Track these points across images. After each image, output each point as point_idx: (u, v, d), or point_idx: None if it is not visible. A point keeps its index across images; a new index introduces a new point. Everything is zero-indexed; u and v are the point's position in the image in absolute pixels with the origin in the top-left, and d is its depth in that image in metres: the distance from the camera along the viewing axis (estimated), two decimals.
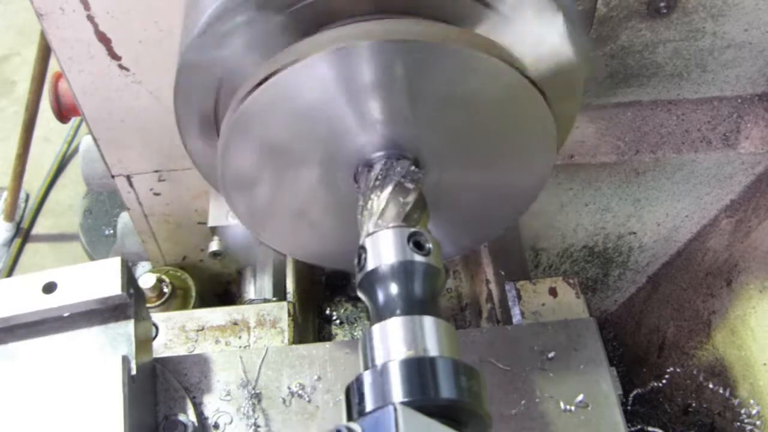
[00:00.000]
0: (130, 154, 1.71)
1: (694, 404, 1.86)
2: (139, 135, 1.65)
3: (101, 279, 1.20)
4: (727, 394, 1.69)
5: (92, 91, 1.55)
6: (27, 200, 3.66)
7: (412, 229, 1.06)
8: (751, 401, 1.65)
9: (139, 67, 1.50)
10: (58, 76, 1.92)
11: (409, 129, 1.12)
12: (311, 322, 1.98)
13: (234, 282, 2.17)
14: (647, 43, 1.50)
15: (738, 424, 1.67)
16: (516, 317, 1.55)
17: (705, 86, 1.62)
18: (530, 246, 2.04)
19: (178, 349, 1.49)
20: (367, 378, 0.96)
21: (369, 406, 0.93)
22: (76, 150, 3.74)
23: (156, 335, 1.50)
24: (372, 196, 1.11)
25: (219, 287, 2.20)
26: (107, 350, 1.20)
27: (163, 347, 1.49)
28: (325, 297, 2.16)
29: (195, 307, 1.97)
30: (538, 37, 1.12)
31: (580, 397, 1.34)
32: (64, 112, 1.97)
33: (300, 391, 1.36)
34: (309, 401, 1.36)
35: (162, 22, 1.41)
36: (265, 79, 1.04)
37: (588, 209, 1.89)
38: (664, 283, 2.05)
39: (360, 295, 1.09)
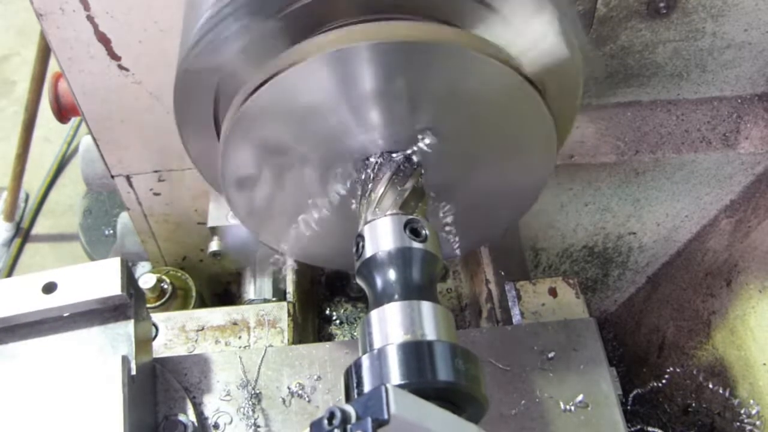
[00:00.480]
0: (130, 154, 1.71)
1: (693, 404, 1.86)
2: (139, 135, 1.65)
3: (101, 279, 1.20)
4: (727, 394, 1.69)
5: (92, 91, 1.55)
6: (27, 200, 3.66)
7: (409, 217, 1.08)
8: (751, 401, 1.65)
9: (139, 67, 1.50)
10: (58, 76, 1.92)
11: (409, 129, 1.12)
12: (311, 322, 1.98)
13: (234, 282, 2.17)
14: (647, 43, 1.50)
15: (738, 424, 1.67)
16: (516, 317, 1.55)
17: (705, 86, 1.62)
18: (530, 246, 2.04)
19: (178, 349, 1.49)
20: (365, 362, 0.97)
21: (366, 389, 0.94)
22: (76, 150, 3.74)
23: (156, 335, 1.50)
24: (370, 186, 1.12)
25: (219, 287, 2.20)
26: (107, 350, 1.20)
27: (163, 347, 1.49)
28: (325, 297, 2.16)
29: (195, 307, 1.97)
30: (534, 35, 1.12)
31: (580, 397, 1.34)
32: (63, 112, 1.97)
33: (300, 391, 1.36)
34: (309, 401, 1.36)
35: (162, 22, 1.41)
36: (266, 80, 1.04)
37: (588, 209, 1.89)
38: (664, 283, 2.05)
39: (358, 281, 1.10)
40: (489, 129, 1.16)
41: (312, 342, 1.72)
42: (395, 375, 0.93)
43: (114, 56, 1.48)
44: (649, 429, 1.57)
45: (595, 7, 1.41)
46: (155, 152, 1.71)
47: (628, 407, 1.68)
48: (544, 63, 1.14)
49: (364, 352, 0.99)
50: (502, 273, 1.74)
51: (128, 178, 1.78)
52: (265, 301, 1.81)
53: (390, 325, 0.99)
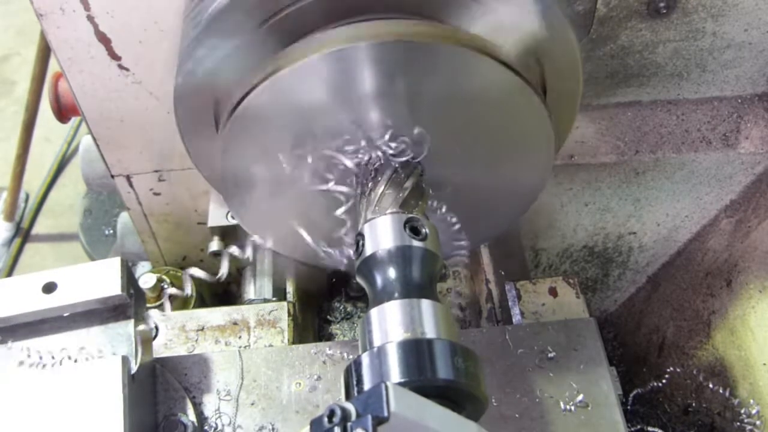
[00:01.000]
0: (130, 154, 1.71)
1: (694, 404, 1.86)
2: (139, 135, 1.65)
3: (101, 279, 1.20)
4: (727, 394, 1.69)
5: (92, 91, 1.55)
6: (27, 200, 3.66)
7: (409, 215, 1.08)
8: (751, 401, 1.65)
9: (139, 67, 1.50)
10: (58, 76, 1.92)
11: (408, 129, 1.12)
12: (311, 322, 1.98)
13: (234, 282, 2.17)
14: (647, 43, 1.50)
15: (738, 424, 1.67)
16: (516, 317, 1.55)
17: (705, 86, 1.62)
18: (530, 246, 2.04)
19: (178, 349, 1.49)
20: (365, 360, 0.97)
21: (366, 387, 0.94)
22: (76, 150, 3.74)
23: (156, 335, 1.50)
24: (370, 185, 1.12)
25: (219, 287, 2.19)
26: (107, 350, 1.20)
27: (163, 347, 1.49)
28: (325, 297, 2.16)
29: (195, 307, 1.97)
30: (514, 15, 1.11)
31: (580, 397, 1.34)
32: (64, 112, 1.97)
33: (300, 391, 1.36)
34: (308, 401, 1.36)
35: (162, 22, 1.41)
36: (264, 79, 1.04)
37: (588, 209, 1.89)
38: (664, 283, 2.05)
39: (358, 280, 1.10)
40: (488, 129, 1.16)
41: (312, 342, 1.72)
42: (395, 373, 0.94)
43: (114, 56, 1.48)
44: (649, 429, 1.57)
45: (595, 7, 1.41)
46: (155, 152, 1.71)
47: (629, 407, 1.68)
48: (528, 44, 1.13)
49: (364, 350, 0.99)
50: (502, 273, 1.74)
51: (128, 178, 1.78)
52: (265, 301, 1.81)
53: (390, 323, 1.00)
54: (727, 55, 1.54)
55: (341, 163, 1.16)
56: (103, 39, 1.44)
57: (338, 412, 0.79)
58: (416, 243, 1.06)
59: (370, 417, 0.77)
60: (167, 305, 1.78)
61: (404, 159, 1.14)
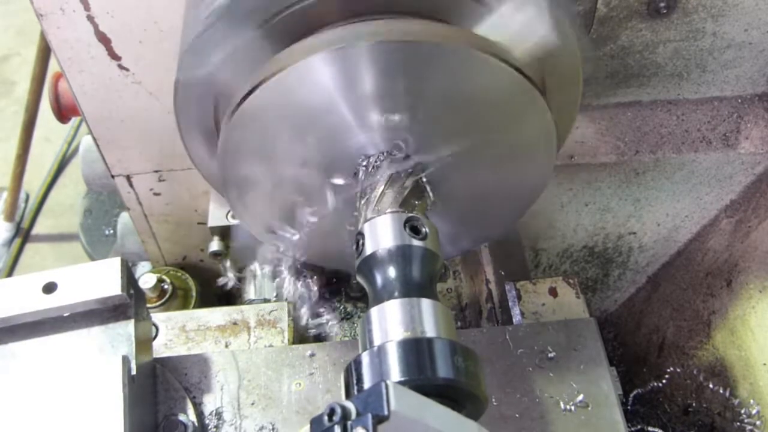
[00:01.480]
0: (130, 154, 1.71)
1: (694, 404, 1.86)
2: (139, 135, 1.65)
3: (101, 279, 1.20)
4: (727, 394, 1.69)
5: (92, 92, 1.55)
6: (27, 200, 3.66)
7: (409, 215, 1.08)
8: (751, 401, 1.65)
9: (139, 67, 1.50)
10: (58, 77, 1.92)
11: (409, 129, 1.12)
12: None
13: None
14: (647, 43, 1.50)
15: (738, 424, 1.67)
16: (516, 317, 1.55)
17: (705, 86, 1.62)
18: (530, 246, 2.04)
19: (178, 349, 1.49)
20: (365, 358, 0.97)
21: (366, 385, 0.94)
22: (76, 150, 3.74)
23: (156, 335, 1.50)
24: (370, 184, 1.12)
25: (219, 287, 2.19)
26: (107, 350, 1.20)
27: (163, 347, 1.49)
28: (325, 297, 2.16)
29: (195, 307, 1.97)
30: (522, 24, 1.12)
31: (580, 397, 1.34)
32: (64, 112, 1.97)
33: (300, 391, 1.36)
34: (309, 401, 1.35)
35: (162, 22, 1.42)
36: (265, 79, 1.04)
37: (588, 209, 1.89)
38: (664, 283, 2.05)
39: (358, 279, 1.10)
40: (489, 129, 1.16)
41: (312, 342, 1.72)
42: (395, 372, 0.94)
43: (114, 56, 1.48)
44: (649, 429, 1.57)
45: (595, 7, 1.41)
46: (155, 152, 1.71)
47: (629, 407, 1.68)
48: (535, 53, 1.13)
49: (364, 349, 0.99)
50: (502, 273, 1.74)
51: (128, 178, 1.78)
52: (265, 301, 1.81)
53: (390, 322, 1.00)
54: (727, 55, 1.54)
55: (341, 163, 1.16)
56: (103, 39, 1.45)
57: (338, 410, 0.79)
58: (416, 242, 1.06)
59: (370, 415, 0.78)
60: None
61: (405, 159, 1.14)
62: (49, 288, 1.19)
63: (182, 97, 1.17)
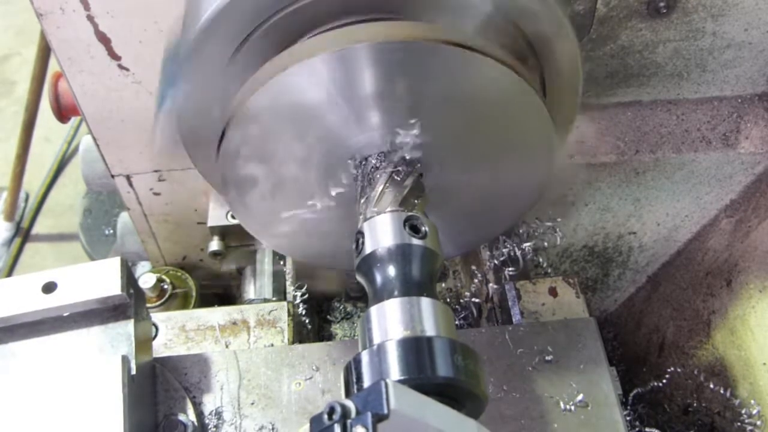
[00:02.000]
0: (130, 154, 1.71)
1: (694, 404, 1.86)
2: (139, 135, 1.65)
3: (101, 279, 1.20)
4: (728, 394, 1.69)
5: (92, 91, 1.55)
6: (27, 200, 3.66)
7: (409, 213, 1.08)
8: (752, 401, 1.65)
9: (139, 67, 1.50)
10: (58, 76, 1.92)
11: (408, 129, 1.12)
12: (311, 322, 1.98)
13: (234, 282, 2.17)
14: (647, 43, 1.50)
15: (738, 424, 1.67)
16: (516, 317, 1.55)
17: (705, 86, 1.62)
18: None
19: (178, 349, 1.49)
20: (365, 357, 0.97)
21: (366, 384, 0.94)
22: (76, 150, 3.75)
23: (156, 335, 1.50)
24: (369, 184, 1.12)
25: (219, 287, 2.20)
26: (107, 350, 1.20)
27: (163, 347, 1.49)
28: (325, 297, 2.16)
29: (195, 307, 1.97)
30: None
31: (580, 397, 1.34)
32: (63, 112, 1.97)
33: (300, 391, 1.36)
34: (309, 401, 1.36)
35: (162, 22, 1.42)
36: (266, 79, 1.04)
37: (588, 209, 1.89)
38: (664, 282, 2.05)
39: (358, 278, 1.10)
40: (488, 129, 1.16)
41: (312, 342, 1.72)
42: (395, 370, 0.94)
43: (114, 56, 1.48)
44: (649, 429, 1.57)
45: (595, 7, 1.41)
46: (155, 153, 1.71)
47: (628, 407, 1.68)
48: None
49: (364, 348, 0.99)
50: (502, 273, 1.74)
51: (128, 177, 1.78)
52: (265, 300, 1.81)
53: (389, 321, 1.00)
54: (727, 55, 1.54)
55: (341, 163, 1.16)
56: (103, 39, 1.45)
57: (338, 409, 0.79)
58: (416, 241, 1.06)
59: (369, 414, 0.78)
60: None
61: (404, 159, 1.14)
62: (49, 288, 1.19)
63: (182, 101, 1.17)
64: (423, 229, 1.08)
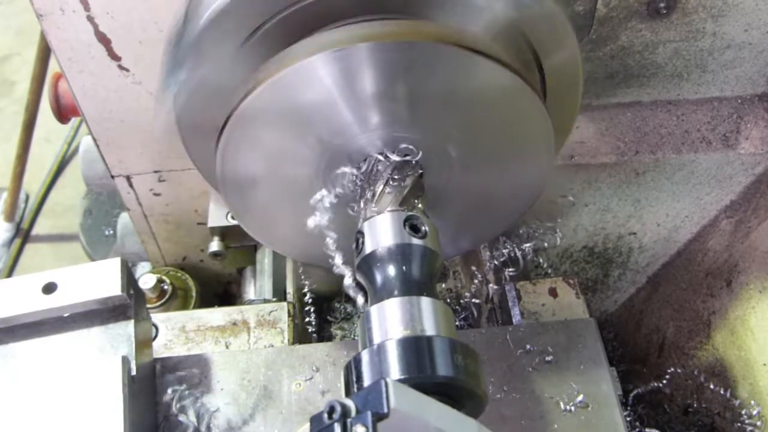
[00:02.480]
0: (130, 154, 1.71)
1: (694, 405, 1.86)
2: (139, 135, 1.65)
3: (101, 279, 1.20)
4: (728, 394, 1.69)
5: (92, 92, 1.55)
6: (27, 200, 3.66)
7: (409, 213, 1.08)
8: (752, 402, 1.65)
9: (139, 67, 1.50)
10: (58, 77, 1.92)
11: (408, 129, 1.12)
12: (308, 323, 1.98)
13: (234, 282, 2.17)
14: (647, 44, 1.50)
15: (738, 424, 1.67)
16: (516, 317, 1.55)
17: (705, 87, 1.62)
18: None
19: (178, 350, 1.49)
20: (365, 356, 0.97)
21: (366, 383, 0.94)
22: (76, 150, 3.74)
23: (156, 335, 1.50)
24: (369, 184, 1.12)
25: (219, 287, 2.20)
26: (107, 350, 1.20)
27: (163, 347, 1.49)
28: (325, 297, 2.16)
29: (195, 307, 1.97)
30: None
31: (580, 398, 1.34)
32: (63, 112, 1.97)
33: (300, 391, 1.36)
34: (309, 401, 1.35)
35: (162, 22, 1.42)
36: (265, 79, 1.04)
37: (588, 209, 1.89)
38: (664, 283, 2.05)
39: (358, 278, 1.10)
40: (488, 129, 1.16)
41: (312, 342, 1.72)
42: (395, 370, 0.94)
43: (114, 56, 1.48)
44: (649, 430, 1.57)
45: (595, 7, 1.41)
46: (155, 152, 1.71)
47: (629, 407, 1.68)
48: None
49: (364, 348, 0.99)
50: (502, 273, 1.74)
51: (128, 178, 1.78)
52: (265, 301, 1.81)
53: (389, 320, 1.00)
54: (727, 56, 1.54)
55: (341, 164, 1.16)
56: (103, 39, 1.45)
57: (338, 408, 0.79)
58: (416, 240, 1.07)
59: (369, 413, 0.78)
60: None
61: (404, 159, 1.14)
62: (49, 288, 1.19)
63: (182, 98, 1.17)
64: (423, 228, 1.08)
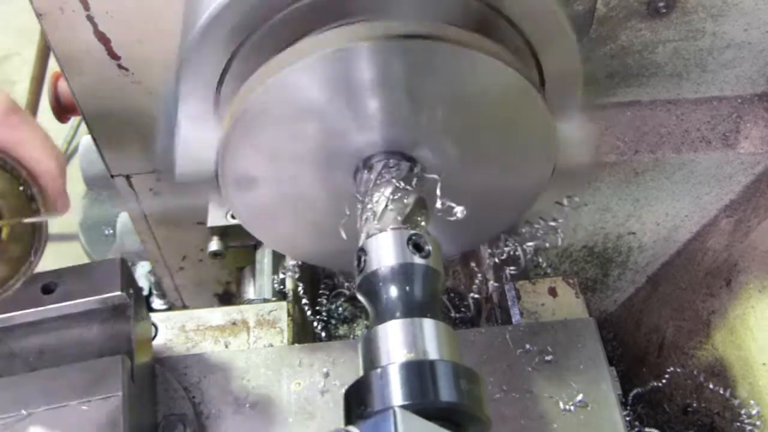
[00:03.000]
0: (130, 154, 1.71)
1: (694, 404, 1.86)
2: (139, 135, 1.65)
3: (101, 279, 1.20)
4: (728, 394, 1.69)
5: (92, 91, 1.55)
6: None
7: (412, 231, 1.07)
8: (751, 401, 1.65)
9: (139, 67, 1.50)
10: (58, 76, 1.92)
11: (409, 129, 1.12)
12: (310, 322, 1.97)
13: (234, 282, 2.17)
14: (647, 43, 1.50)
15: (738, 424, 1.67)
16: (515, 317, 1.55)
17: (705, 86, 1.62)
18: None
19: (178, 349, 1.49)
20: (368, 381, 0.96)
21: (368, 409, 0.94)
22: (75, 150, 3.74)
23: (156, 335, 1.50)
24: (371, 198, 1.11)
25: (218, 287, 2.20)
26: (107, 350, 1.20)
27: (163, 347, 1.49)
28: (325, 297, 2.16)
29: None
30: None
31: (580, 397, 1.34)
32: (63, 112, 1.97)
33: (299, 391, 1.36)
34: (308, 401, 1.36)
35: (162, 22, 1.41)
36: (265, 79, 1.04)
37: (587, 209, 1.89)
38: (664, 283, 2.05)
39: (359, 297, 1.09)
40: (489, 129, 1.16)
41: (312, 342, 1.72)
42: (397, 395, 0.93)
43: (114, 56, 1.48)
44: (648, 429, 1.57)
45: (594, 7, 1.41)
46: (155, 152, 1.71)
47: (628, 407, 1.68)
48: None
49: (366, 370, 0.98)
50: (502, 273, 1.74)
51: (128, 177, 1.78)
52: (265, 301, 1.81)
53: (392, 343, 0.99)
54: (726, 55, 1.54)
55: (341, 164, 1.17)
56: (103, 39, 1.44)
57: None
58: (418, 260, 1.05)
59: None
60: None
61: (407, 166, 1.13)
62: (48, 288, 1.19)
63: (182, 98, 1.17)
64: (426, 248, 1.07)
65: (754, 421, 1.63)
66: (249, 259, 1.99)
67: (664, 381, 1.75)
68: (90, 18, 1.40)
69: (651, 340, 2.08)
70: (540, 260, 1.70)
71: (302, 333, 1.66)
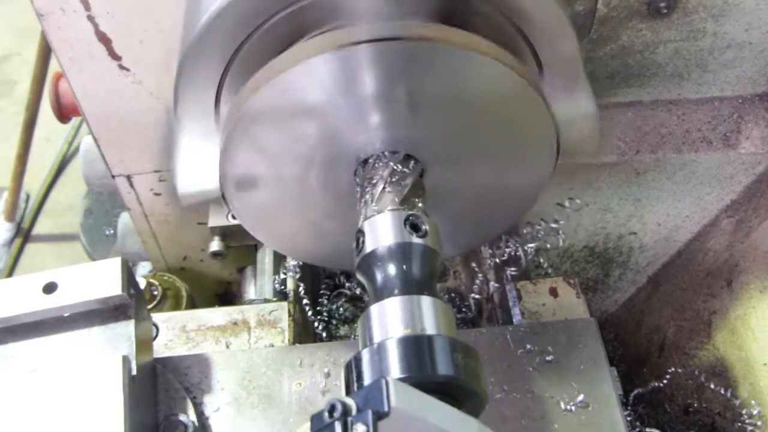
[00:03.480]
0: (131, 154, 1.71)
1: (695, 404, 1.85)
2: (140, 135, 1.65)
3: (101, 279, 1.20)
4: (729, 394, 1.69)
5: (92, 92, 1.55)
6: (27, 200, 3.66)
7: (409, 212, 1.08)
8: (752, 402, 1.65)
9: (140, 67, 1.50)
10: (59, 77, 1.92)
11: (409, 129, 1.13)
12: (311, 322, 1.97)
13: (234, 282, 2.17)
14: (648, 43, 1.50)
15: (739, 424, 1.67)
16: (516, 317, 1.55)
17: (705, 86, 1.62)
18: None
19: (179, 349, 1.49)
20: (365, 355, 0.97)
21: (366, 382, 0.94)
22: (76, 150, 3.75)
23: (156, 335, 1.50)
24: (370, 183, 1.12)
25: (219, 287, 2.20)
26: (107, 350, 1.20)
27: (163, 347, 1.49)
28: (326, 297, 2.16)
29: (187, 308, 1.97)
30: None
31: (581, 398, 1.34)
32: (64, 112, 1.97)
33: (300, 391, 1.36)
34: (309, 401, 1.35)
35: (162, 22, 1.42)
36: (267, 80, 1.05)
37: (588, 209, 1.89)
38: (665, 283, 2.05)
39: (359, 277, 1.10)
40: (489, 130, 1.16)
41: (312, 342, 1.72)
42: (395, 369, 0.94)
43: (114, 56, 1.48)
44: (649, 430, 1.57)
45: (595, 7, 1.41)
46: (156, 152, 1.71)
47: (629, 407, 1.68)
48: None
49: (364, 347, 0.99)
50: (503, 273, 1.74)
51: (129, 178, 1.78)
52: (266, 301, 1.81)
53: (390, 319, 1.00)
54: (727, 55, 1.54)
55: (342, 164, 1.16)
56: (104, 39, 1.45)
57: (339, 406, 0.79)
58: (416, 239, 1.07)
59: (370, 411, 0.78)
60: None
61: (405, 159, 1.14)
62: (49, 288, 1.19)
63: (182, 98, 1.17)
64: (423, 227, 1.08)
65: (755, 421, 1.63)
66: (250, 259, 1.99)
67: (665, 381, 1.75)
68: (91, 18, 1.41)
69: (652, 341, 2.08)
70: (541, 260, 1.70)
71: (303, 333, 1.66)
